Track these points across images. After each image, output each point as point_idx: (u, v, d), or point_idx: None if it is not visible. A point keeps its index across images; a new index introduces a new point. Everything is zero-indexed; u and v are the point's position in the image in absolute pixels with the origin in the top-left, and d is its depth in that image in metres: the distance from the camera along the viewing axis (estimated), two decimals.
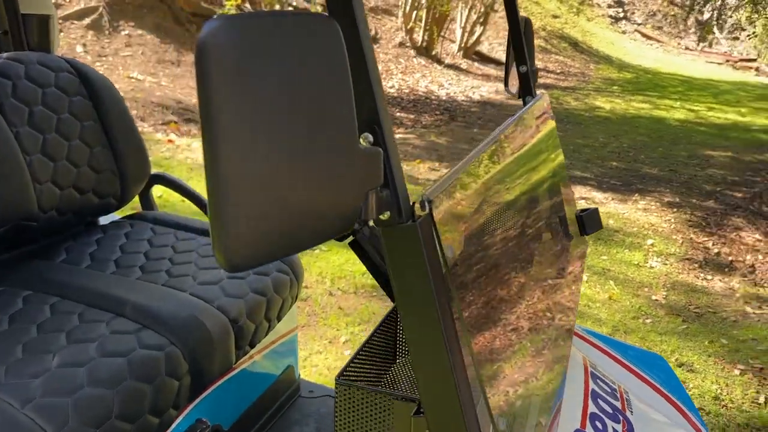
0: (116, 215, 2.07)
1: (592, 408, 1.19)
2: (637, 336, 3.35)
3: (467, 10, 10.38)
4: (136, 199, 2.11)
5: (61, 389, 1.20)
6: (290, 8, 8.73)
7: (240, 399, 1.67)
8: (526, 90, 1.56)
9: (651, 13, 17.30)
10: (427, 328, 0.68)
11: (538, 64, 10.98)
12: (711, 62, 15.57)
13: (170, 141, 5.60)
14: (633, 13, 17.14)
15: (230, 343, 1.53)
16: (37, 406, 1.16)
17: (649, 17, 17.28)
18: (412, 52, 9.87)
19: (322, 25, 0.55)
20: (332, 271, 3.62)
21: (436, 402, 0.70)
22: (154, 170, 2.08)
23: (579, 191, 5.61)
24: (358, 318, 3.14)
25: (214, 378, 1.48)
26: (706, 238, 4.86)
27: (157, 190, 2.13)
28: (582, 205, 5.10)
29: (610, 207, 5.33)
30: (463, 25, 10.49)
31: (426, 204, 0.68)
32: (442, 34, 10.35)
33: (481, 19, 10.55)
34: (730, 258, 4.53)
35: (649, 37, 16.69)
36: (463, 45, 10.56)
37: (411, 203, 0.68)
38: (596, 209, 1.59)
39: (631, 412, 1.27)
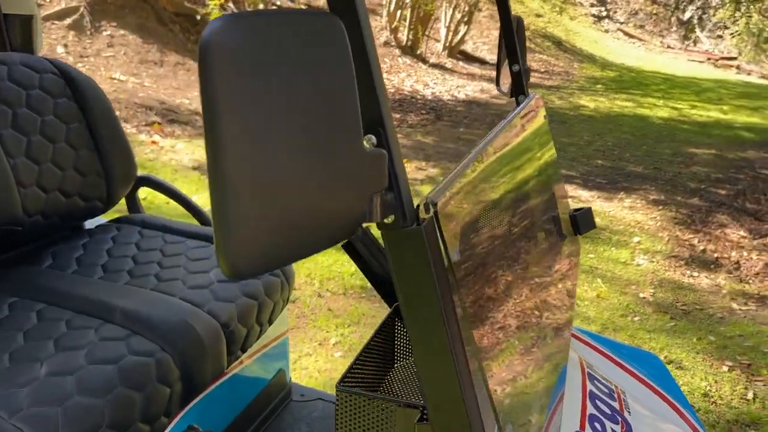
0: (103, 219, 2.04)
1: (590, 409, 1.18)
2: (625, 334, 3.36)
3: (451, 10, 10.39)
4: (122, 201, 2.08)
5: (49, 399, 1.17)
6: (274, 7, 8.69)
7: (232, 404, 1.65)
8: (519, 89, 1.55)
9: (633, 12, 17.43)
10: (432, 334, 0.67)
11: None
12: (692, 60, 15.71)
13: (154, 142, 5.55)
14: (615, 12, 17.26)
15: (221, 348, 1.51)
16: (26, 416, 1.13)
17: (631, 16, 17.41)
18: (397, 52, 9.86)
19: (326, 24, 0.53)
20: (321, 272, 3.60)
21: (441, 409, 0.69)
22: (139, 172, 2.05)
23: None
24: (348, 320, 3.12)
25: (205, 384, 1.46)
26: (691, 236, 4.89)
27: (142, 192, 2.09)
28: (569, 203, 5.11)
29: (596, 205, 5.36)
30: (447, 24, 10.49)
31: (430, 207, 0.67)
32: (426, 33, 10.35)
33: (466, 19, 10.56)
34: (715, 255, 4.57)
35: (631, 36, 16.81)
36: (447, 44, 10.56)
37: (415, 206, 0.66)
38: (589, 209, 1.58)
39: (629, 412, 1.26)
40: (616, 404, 1.25)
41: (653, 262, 4.38)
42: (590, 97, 10.06)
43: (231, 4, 8.11)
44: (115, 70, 6.84)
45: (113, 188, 1.91)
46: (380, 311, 3.19)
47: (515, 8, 13.60)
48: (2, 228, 1.65)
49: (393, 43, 9.94)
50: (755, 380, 2.98)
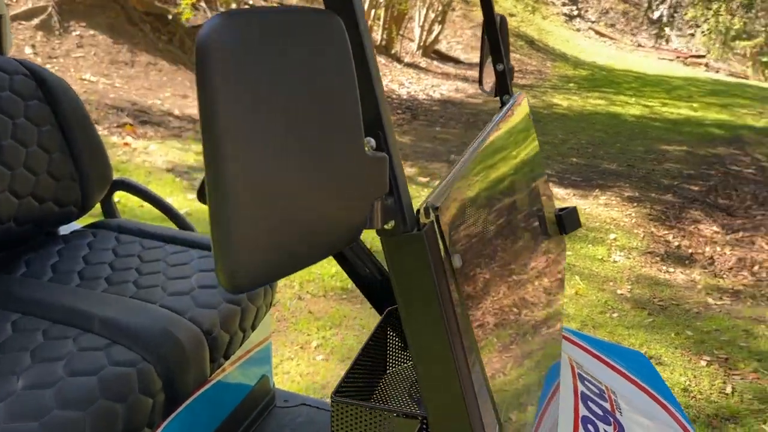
0: (78, 224, 1.98)
1: (583, 411, 1.17)
2: (605, 330, 3.39)
3: (425, 9, 10.40)
4: (97, 206, 2.02)
5: (27, 413, 1.13)
6: (246, 6, 8.61)
7: (215, 412, 1.61)
8: (503, 89, 1.53)
9: (604, 11, 17.63)
10: (434, 341, 0.65)
11: None
12: (663, 59, 15.94)
13: (126, 144, 5.45)
14: (587, 11, 17.44)
15: (204, 356, 1.47)
16: None
17: (602, 15, 17.60)
18: None
19: (325, 22, 0.51)
20: (300, 274, 3.56)
21: (443, 418, 0.67)
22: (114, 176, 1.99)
23: None
24: (329, 322, 3.09)
25: (188, 393, 1.42)
26: (666, 232, 4.95)
27: (115, 195, 2.04)
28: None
29: (572, 203, 5.39)
30: (421, 23, 10.50)
31: (431, 211, 0.64)
32: (400, 32, 10.34)
33: (440, 18, 10.58)
34: (690, 250, 4.63)
35: (602, 35, 17.00)
36: (422, 44, 10.57)
37: (415, 210, 0.64)
38: (575, 208, 1.58)
39: (620, 413, 1.26)
40: (607, 405, 1.25)
41: (629, 258, 4.43)
42: (563, 95, 10.15)
43: (203, 4, 8.01)
44: (85, 71, 6.71)
45: (88, 193, 1.86)
46: (361, 312, 3.17)
47: None
48: None
49: None
50: (733, 374, 3.01)
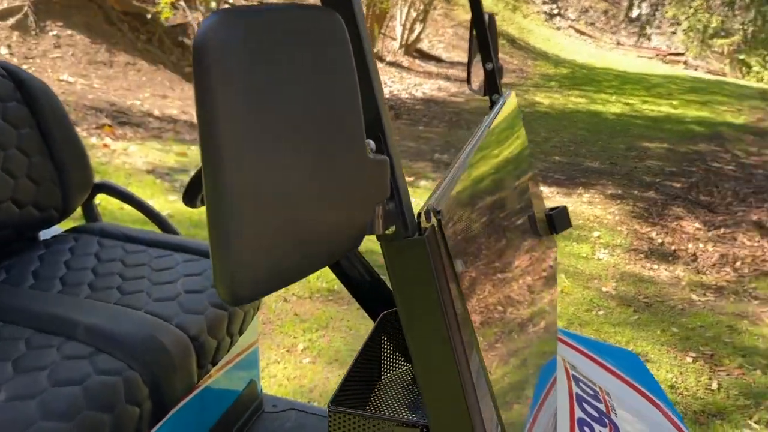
0: (59, 228, 1.94)
1: (578, 413, 1.16)
2: (591, 328, 3.39)
3: (407, 8, 10.38)
4: (79, 210, 1.98)
5: (10, 425, 1.09)
6: (227, 5, 8.53)
7: (203, 419, 1.58)
8: (493, 88, 1.52)
9: (584, 10, 17.75)
10: (437, 349, 0.63)
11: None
12: (642, 57, 16.08)
13: (106, 145, 5.37)
14: (566, 10, 17.54)
15: (192, 363, 1.44)
16: None
17: (582, 13, 17.72)
18: None
19: (326, 20, 0.49)
20: None
21: (447, 428, 0.65)
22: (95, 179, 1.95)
23: None
24: (315, 324, 3.06)
25: (176, 400, 1.39)
26: (649, 229, 4.98)
27: (95, 198, 1.99)
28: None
29: (556, 201, 5.41)
30: (403, 22, 10.49)
31: (432, 215, 0.62)
32: (382, 31, 10.32)
33: (421, 17, 10.57)
34: (673, 247, 4.66)
35: (582, 33, 17.12)
36: (403, 43, 10.56)
37: (416, 214, 0.62)
38: (565, 207, 1.56)
39: (615, 414, 1.25)
40: (602, 406, 1.24)
41: (614, 255, 4.45)
42: (545, 94, 10.19)
43: (182, 3, 7.93)
44: (62, 71, 6.61)
45: (69, 196, 1.82)
46: (348, 314, 3.14)
47: (467, 7, 13.69)
48: None
49: None
50: (718, 370, 3.03)
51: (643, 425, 1.30)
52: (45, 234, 1.88)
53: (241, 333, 1.67)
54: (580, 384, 1.27)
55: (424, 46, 11.31)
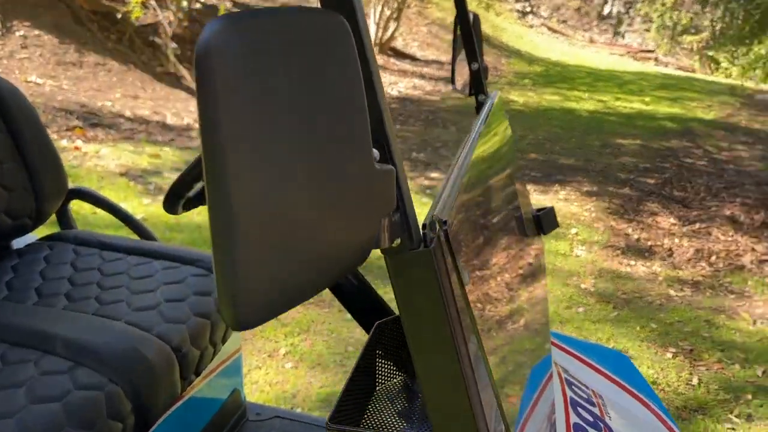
0: (33, 236, 1.87)
1: (574, 418, 1.15)
2: (573, 326, 3.40)
3: (380, 6, 10.35)
4: (53, 217, 1.91)
5: None
6: (199, 4, 8.42)
7: (186, 431, 1.54)
8: (479, 88, 1.50)
9: (556, 7, 17.89)
10: (444, 364, 0.60)
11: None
12: (614, 54, 16.25)
13: (77, 148, 5.26)
14: (539, 8, 17.66)
15: (175, 375, 1.40)
16: None
17: (555, 11, 17.85)
18: None
19: (330, 23, 0.46)
20: None
21: None
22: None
23: None
24: (297, 328, 3.02)
25: (159, 413, 1.35)
26: (625, 225, 5.02)
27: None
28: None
29: (534, 199, 5.43)
30: (377, 20, 10.45)
31: (437, 225, 0.60)
32: None
33: (395, 15, 10.54)
34: (649, 243, 4.70)
35: (555, 31, 17.25)
36: (378, 41, 10.52)
37: (421, 226, 0.59)
38: (552, 208, 1.55)
39: (609, 417, 1.24)
40: (596, 410, 1.22)
41: (591, 252, 4.47)
42: (519, 92, 10.24)
43: (153, 2, 7.80)
44: (30, 72, 6.46)
45: (43, 203, 1.76)
46: (329, 317, 3.11)
47: (444, 5, 13.72)
48: None
49: None
50: (698, 365, 3.06)
51: (636, 427, 1.29)
52: (18, 243, 1.82)
53: (224, 341, 1.63)
54: (574, 388, 1.26)
55: (398, 44, 11.29)
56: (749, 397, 2.79)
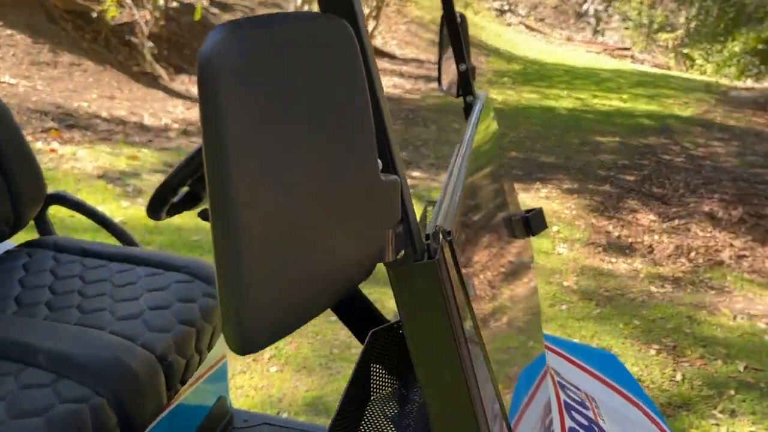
0: (10, 243, 1.82)
1: (569, 422, 1.14)
2: (556, 324, 3.41)
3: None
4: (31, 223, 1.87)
5: None
6: (175, 2, 8.33)
7: None
8: (467, 89, 1.49)
9: (534, 6, 17.99)
10: (449, 377, 0.59)
11: (432, 57, 11.12)
12: (591, 51, 16.38)
13: (53, 150, 5.16)
14: (517, 6, 17.75)
15: (160, 384, 1.37)
16: None
17: (532, 10, 17.95)
18: None
19: (332, 28, 0.44)
20: None
21: None
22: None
23: None
24: None
25: (145, 424, 1.32)
26: (606, 222, 5.05)
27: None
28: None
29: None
30: None
31: (441, 236, 0.58)
32: None
33: (374, 14, 10.52)
34: (630, 240, 4.74)
35: (532, 29, 17.34)
36: None
37: (424, 236, 0.58)
38: (540, 209, 1.54)
39: (603, 420, 1.23)
40: (590, 413, 1.22)
41: (573, 250, 4.49)
42: (498, 90, 10.27)
43: (129, 0, 7.69)
44: (3, 73, 6.34)
45: (21, 209, 1.71)
46: (314, 319, 3.08)
47: (423, 3, 13.72)
48: None
49: None
50: (681, 362, 3.08)
51: (629, 429, 1.29)
52: None
53: (209, 349, 1.60)
54: (567, 391, 1.25)
55: (377, 43, 11.27)
56: (732, 392, 2.82)
